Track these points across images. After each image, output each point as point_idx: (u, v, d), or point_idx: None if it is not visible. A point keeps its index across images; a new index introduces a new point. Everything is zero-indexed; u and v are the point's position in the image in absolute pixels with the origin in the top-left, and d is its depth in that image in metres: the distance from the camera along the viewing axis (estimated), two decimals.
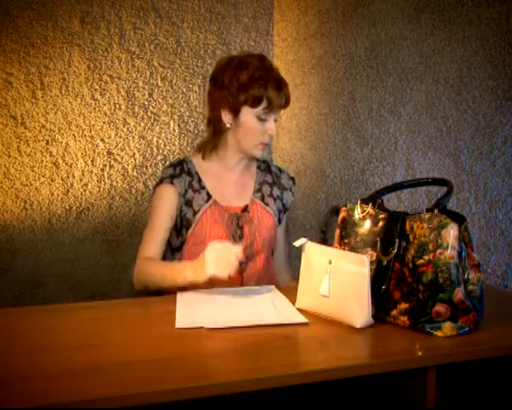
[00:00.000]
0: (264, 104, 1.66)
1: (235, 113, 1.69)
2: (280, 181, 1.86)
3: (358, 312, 1.25)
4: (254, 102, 1.66)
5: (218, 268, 1.41)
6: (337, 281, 1.29)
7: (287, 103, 1.71)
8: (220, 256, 1.42)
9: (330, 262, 1.30)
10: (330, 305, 1.30)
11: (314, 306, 1.34)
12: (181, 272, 1.51)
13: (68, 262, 2.18)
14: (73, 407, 0.93)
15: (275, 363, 1.08)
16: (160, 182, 1.74)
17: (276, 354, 1.12)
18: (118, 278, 2.19)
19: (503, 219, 1.61)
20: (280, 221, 1.85)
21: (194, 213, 1.72)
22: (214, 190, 1.76)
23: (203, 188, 1.75)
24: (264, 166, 1.87)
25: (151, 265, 1.64)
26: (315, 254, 1.34)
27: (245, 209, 1.76)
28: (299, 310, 1.35)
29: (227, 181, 1.79)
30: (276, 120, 1.71)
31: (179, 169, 1.75)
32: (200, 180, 1.76)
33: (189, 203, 1.73)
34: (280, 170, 1.89)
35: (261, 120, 1.68)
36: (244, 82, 1.67)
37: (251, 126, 1.69)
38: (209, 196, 1.74)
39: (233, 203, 1.76)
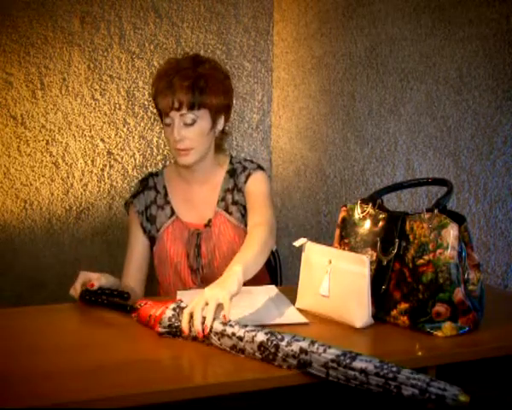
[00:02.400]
0: (159, 109, 1.63)
1: (162, 121, 1.68)
2: (237, 182, 1.72)
3: (358, 312, 1.25)
4: (157, 109, 1.66)
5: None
6: (337, 281, 1.29)
7: (181, 106, 1.57)
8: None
9: (330, 262, 1.30)
10: (330, 305, 1.30)
11: (314, 306, 1.34)
12: None
13: (68, 262, 2.18)
14: (73, 407, 0.93)
15: None
16: (128, 203, 1.77)
17: None
18: (118, 278, 2.19)
19: (503, 219, 1.61)
20: (246, 223, 1.69)
21: (157, 231, 1.71)
22: (178, 205, 1.72)
23: (168, 203, 1.72)
24: (233, 170, 1.73)
25: None
26: (315, 254, 1.34)
27: (207, 224, 1.70)
28: (299, 310, 1.35)
29: (191, 194, 1.73)
30: (189, 124, 1.58)
31: (143, 185, 1.76)
32: (166, 195, 1.73)
33: (152, 220, 1.72)
34: (243, 170, 1.72)
35: (166, 125, 1.62)
36: (152, 90, 1.68)
37: (164, 133, 1.67)
38: (172, 213, 1.72)
39: (197, 219, 1.71)
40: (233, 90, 1.73)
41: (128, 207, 1.76)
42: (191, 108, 1.58)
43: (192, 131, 1.59)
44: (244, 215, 1.71)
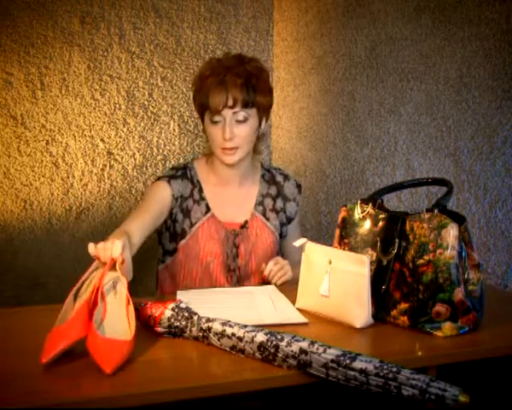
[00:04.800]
0: (209, 107, 1.61)
1: (202, 119, 1.68)
2: (283, 191, 1.78)
3: (358, 312, 1.25)
4: (201, 106, 1.65)
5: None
6: (337, 281, 1.29)
7: (235, 104, 1.58)
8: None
9: (330, 262, 1.30)
10: (330, 305, 1.30)
11: (314, 306, 1.34)
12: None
13: (68, 262, 2.18)
14: (73, 407, 0.93)
15: None
16: (157, 179, 1.72)
17: None
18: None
19: (503, 219, 1.61)
20: (282, 235, 1.78)
21: (191, 226, 1.68)
22: (214, 202, 1.71)
23: (203, 199, 1.70)
24: (269, 175, 1.79)
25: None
26: (315, 254, 1.34)
27: (244, 225, 1.71)
28: (299, 310, 1.35)
29: (227, 193, 1.73)
30: (241, 121, 1.60)
31: (181, 173, 1.71)
32: (201, 190, 1.71)
33: (187, 213, 1.68)
34: (285, 178, 1.80)
35: (214, 123, 1.61)
36: (195, 88, 1.68)
37: (209, 132, 1.65)
38: (208, 209, 1.70)
39: (232, 218, 1.72)
40: (273, 90, 1.75)
41: (160, 181, 1.68)
42: (245, 105, 1.60)
43: (243, 129, 1.61)
44: (284, 224, 1.77)
